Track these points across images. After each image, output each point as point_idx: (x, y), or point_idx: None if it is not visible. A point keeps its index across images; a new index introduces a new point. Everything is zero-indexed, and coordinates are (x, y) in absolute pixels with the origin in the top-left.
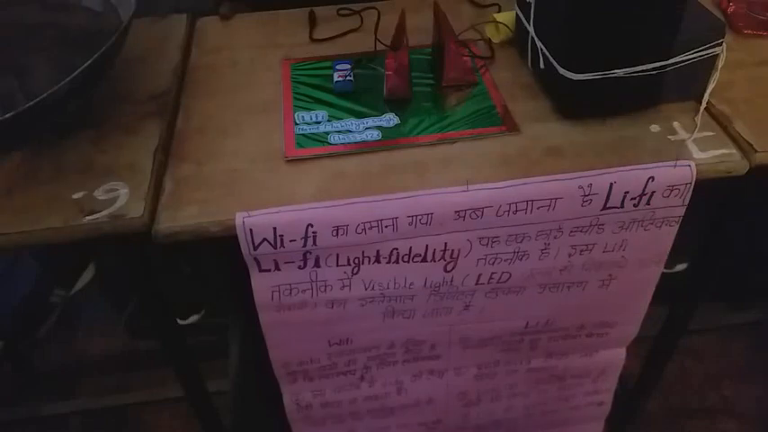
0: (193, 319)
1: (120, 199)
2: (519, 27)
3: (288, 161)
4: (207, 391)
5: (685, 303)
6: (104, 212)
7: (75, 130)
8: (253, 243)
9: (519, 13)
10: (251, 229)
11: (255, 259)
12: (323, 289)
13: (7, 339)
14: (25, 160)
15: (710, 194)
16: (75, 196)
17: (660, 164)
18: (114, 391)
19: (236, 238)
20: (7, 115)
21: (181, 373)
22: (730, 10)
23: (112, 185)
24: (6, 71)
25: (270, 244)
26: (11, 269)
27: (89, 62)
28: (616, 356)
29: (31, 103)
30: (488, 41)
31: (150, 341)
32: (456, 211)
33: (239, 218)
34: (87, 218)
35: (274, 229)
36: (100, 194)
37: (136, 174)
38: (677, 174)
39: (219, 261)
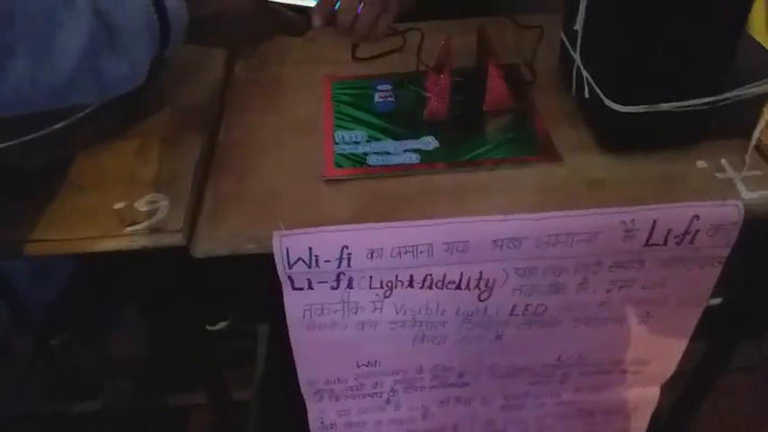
0: (221, 325)
1: (160, 211)
2: (564, 53)
3: (326, 181)
4: (231, 399)
5: (725, 339)
6: (144, 224)
7: (119, 140)
8: (288, 262)
9: (564, 39)
10: (287, 248)
11: (289, 277)
12: (354, 310)
13: (40, 336)
14: (70, 168)
15: (754, 232)
16: (117, 206)
17: (706, 202)
18: (141, 394)
19: (271, 255)
20: (57, 125)
21: (206, 380)
22: None
23: (154, 197)
24: None
25: (305, 263)
26: (47, 267)
27: None
28: (649, 395)
29: (81, 114)
30: (531, 66)
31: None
32: (493, 240)
33: (276, 236)
34: (128, 228)
35: (310, 249)
36: (141, 206)
37: (177, 186)
38: (724, 213)
39: (251, 272)
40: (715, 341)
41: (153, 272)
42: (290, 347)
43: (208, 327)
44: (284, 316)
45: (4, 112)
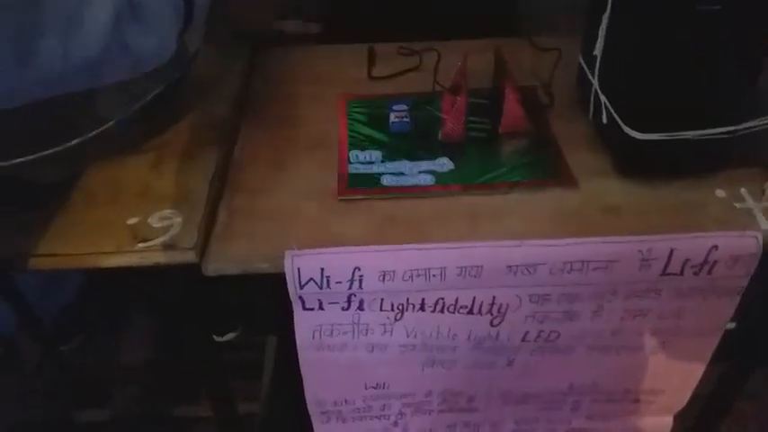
0: (230, 336)
1: (173, 228)
2: (581, 77)
3: (340, 200)
4: (237, 412)
5: (739, 367)
6: (157, 240)
7: (134, 153)
8: (299, 282)
9: (582, 63)
10: (299, 268)
11: (300, 297)
12: (364, 332)
13: (47, 343)
14: (85, 180)
15: None
16: (130, 221)
17: (725, 233)
18: (149, 404)
19: (282, 274)
20: (73, 141)
21: (213, 392)
22: None
23: (167, 213)
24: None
25: (316, 284)
26: (54, 281)
27: (153, 94)
28: (662, 424)
29: (98, 130)
30: (548, 89)
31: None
32: (508, 266)
33: (288, 256)
34: (140, 245)
35: (322, 269)
36: (154, 221)
37: (191, 202)
38: (742, 244)
39: (262, 287)
40: (730, 368)
41: (165, 288)
42: (298, 362)
43: (216, 337)
44: (293, 330)
45: (42, 93)
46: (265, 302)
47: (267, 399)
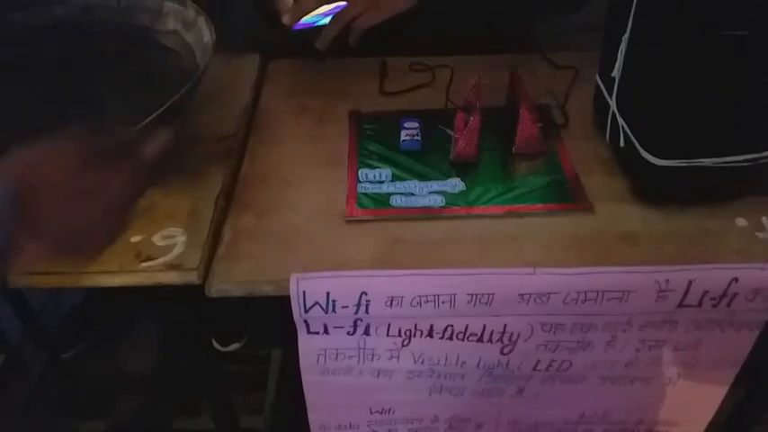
0: (234, 346)
1: (177, 247)
2: (598, 98)
3: (347, 221)
4: (239, 426)
5: (757, 392)
6: (160, 260)
7: None
8: (305, 306)
9: (600, 83)
10: (304, 292)
11: (305, 321)
12: (370, 357)
13: (53, 349)
14: None
15: None
16: (134, 239)
17: (746, 265)
18: (151, 415)
19: (287, 296)
20: None
21: (215, 406)
22: None
23: (171, 231)
24: (80, 106)
25: (321, 308)
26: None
27: (162, 109)
28: None
29: None
30: (563, 108)
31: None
32: (520, 294)
33: (294, 279)
34: (143, 264)
35: (328, 293)
36: (158, 240)
37: (195, 221)
38: (764, 277)
39: (268, 302)
40: (747, 394)
41: (169, 302)
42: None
43: (220, 347)
44: (298, 344)
45: None
46: (271, 315)
47: (270, 414)
